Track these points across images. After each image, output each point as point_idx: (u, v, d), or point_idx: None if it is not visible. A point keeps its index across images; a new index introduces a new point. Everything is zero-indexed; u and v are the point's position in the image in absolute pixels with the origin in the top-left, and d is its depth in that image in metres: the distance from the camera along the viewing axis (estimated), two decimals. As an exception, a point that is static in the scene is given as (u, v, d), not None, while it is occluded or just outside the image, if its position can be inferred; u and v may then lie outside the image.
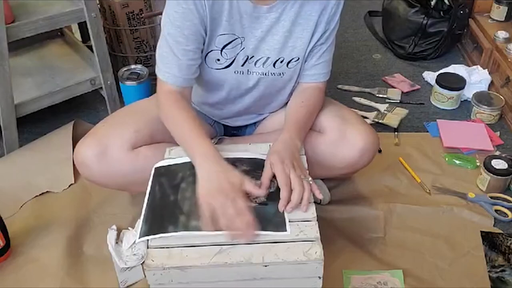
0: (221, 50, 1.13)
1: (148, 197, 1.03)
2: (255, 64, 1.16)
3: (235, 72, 1.17)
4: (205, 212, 0.94)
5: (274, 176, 1.02)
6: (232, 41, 1.12)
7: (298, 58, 1.17)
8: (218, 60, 1.15)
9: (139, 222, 0.99)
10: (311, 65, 1.21)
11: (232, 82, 1.19)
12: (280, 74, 1.18)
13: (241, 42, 1.13)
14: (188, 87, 1.15)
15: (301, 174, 1.03)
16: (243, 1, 1.08)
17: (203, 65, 1.16)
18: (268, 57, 1.16)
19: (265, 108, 1.33)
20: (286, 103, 1.27)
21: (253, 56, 1.15)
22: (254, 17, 1.11)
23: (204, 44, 1.12)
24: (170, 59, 1.10)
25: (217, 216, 0.93)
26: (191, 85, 1.17)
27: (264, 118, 1.37)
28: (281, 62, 1.16)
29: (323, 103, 1.26)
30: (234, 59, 1.15)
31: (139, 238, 0.95)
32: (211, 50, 1.13)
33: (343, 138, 1.20)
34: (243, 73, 1.17)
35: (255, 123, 1.39)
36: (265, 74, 1.18)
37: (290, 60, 1.17)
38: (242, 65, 1.16)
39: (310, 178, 1.04)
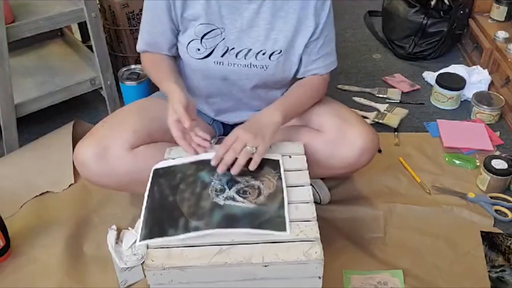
0: (201, 40, 1.15)
1: (147, 199, 1.03)
2: (236, 56, 1.17)
3: (214, 62, 1.18)
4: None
5: (271, 176, 1.04)
6: (211, 31, 1.14)
7: (281, 51, 1.17)
8: (198, 49, 1.17)
9: (139, 223, 0.99)
10: (310, 61, 1.22)
11: (214, 73, 1.20)
12: (263, 67, 1.19)
13: (221, 33, 1.15)
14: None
15: (250, 143, 1.05)
16: None
17: (186, 55, 1.19)
18: (250, 49, 1.16)
19: (258, 105, 1.33)
20: None
21: (233, 48, 1.16)
22: (233, 8, 1.13)
23: (177, 30, 1.18)
24: (142, 30, 1.23)
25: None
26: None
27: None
28: (263, 54, 1.17)
29: (324, 92, 1.27)
30: (214, 49, 1.16)
31: (139, 241, 0.95)
32: (192, 40, 1.16)
33: (343, 138, 1.19)
34: (222, 64, 1.18)
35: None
36: (247, 66, 1.18)
37: (273, 53, 1.17)
38: (222, 56, 1.17)
39: (254, 150, 1.05)
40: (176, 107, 1.06)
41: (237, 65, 1.18)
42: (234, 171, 1.04)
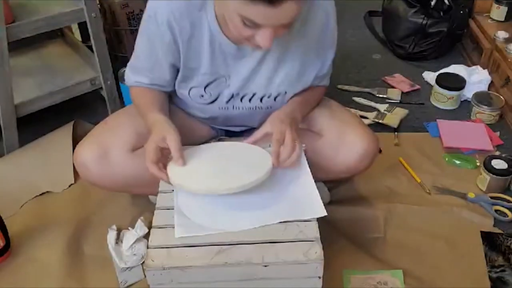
0: (204, 88, 1.14)
1: None
2: (241, 100, 1.17)
3: (219, 108, 1.18)
4: None
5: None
6: (216, 79, 1.13)
7: (286, 92, 1.17)
8: (202, 96, 1.15)
9: (139, 222, 0.99)
10: (318, 80, 1.22)
11: (218, 115, 1.21)
12: (267, 108, 1.18)
13: (226, 80, 1.13)
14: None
15: (296, 138, 1.05)
16: (225, 43, 1.07)
17: (188, 99, 1.18)
18: (255, 93, 1.16)
19: (259, 122, 1.33)
20: None
21: (238, 93, 1.15)
22: (238, 57, 1.10)
23: (178, 75, 1.14)
24: (139, 69, 1.16)
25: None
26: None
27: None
28: (268, 97, 1.16)
29: (322, 98, 1.28)
30: (218, 96, 1.15)
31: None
32: (194, 87, 1.14)
33: (343, 142, 1.18)
34: (227, 109, 1.18)
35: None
36: (252, 108, 1.18)
37: (278, 95, 1.17)
38: (227, 102, 1.17)
39: (304, 145, 1.07)
40: (172, 144, 1.00)
41: (242, 108, 1.18)
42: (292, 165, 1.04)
